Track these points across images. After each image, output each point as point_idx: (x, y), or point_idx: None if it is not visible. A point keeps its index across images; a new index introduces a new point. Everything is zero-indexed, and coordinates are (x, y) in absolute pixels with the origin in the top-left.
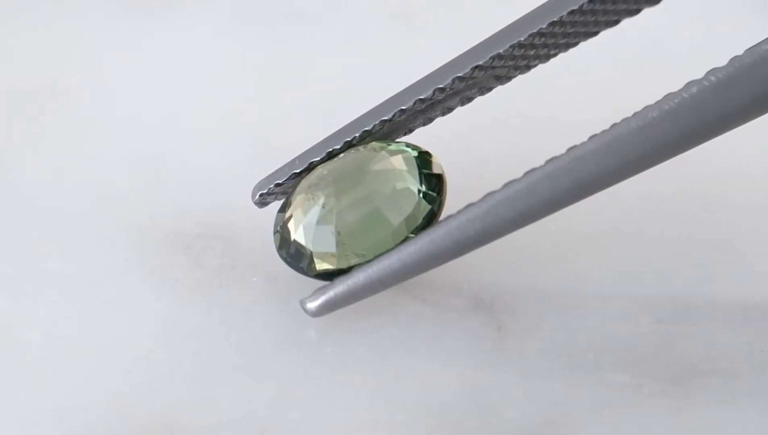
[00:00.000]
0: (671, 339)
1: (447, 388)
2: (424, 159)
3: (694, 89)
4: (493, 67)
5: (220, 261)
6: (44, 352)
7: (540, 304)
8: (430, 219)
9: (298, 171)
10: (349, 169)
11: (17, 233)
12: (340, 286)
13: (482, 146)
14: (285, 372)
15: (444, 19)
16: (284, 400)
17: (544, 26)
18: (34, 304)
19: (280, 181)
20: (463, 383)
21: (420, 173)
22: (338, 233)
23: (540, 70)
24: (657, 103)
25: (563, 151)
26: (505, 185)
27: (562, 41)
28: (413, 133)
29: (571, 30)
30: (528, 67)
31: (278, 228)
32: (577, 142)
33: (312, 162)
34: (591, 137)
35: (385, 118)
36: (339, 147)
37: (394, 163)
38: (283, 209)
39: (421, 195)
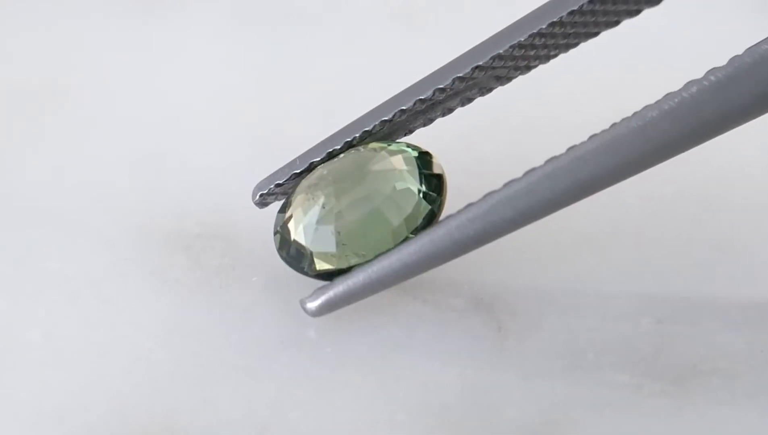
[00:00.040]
0: (671, 339)
1: (447, 388)
2: (424, 159)
3: (694, 89)
4: (494, 68)
5: (220, 261)
6: (44, 352)
7: (540, 304)
8: (430, 219)
9: (298, 171)
10: (349, 169)
11: (17, 233)
12: (340, 286)
13: (482, 146)
14: (285, 372)
15: (444, 19)
16: (284, 400)
17: (544, 27)
18: (34, 304)
19: (281, 182)
20: (463, 383)
21: (420, 173)
22: (338, 233)
23: (540, 70)
24: (657, 102)
25: (563, 151)
26: (505, 185)
27: (562, 42)
28: (413, 133)
29: (571, 31)
30: (528, 68)
31: (278, 228)
32: (577, 142)
33: (312, 162)
34: (591, 137)
35: (386, 118)
36: (339, 147)
37: (394, 163)
38: (284, 209)
39: (421, 195)
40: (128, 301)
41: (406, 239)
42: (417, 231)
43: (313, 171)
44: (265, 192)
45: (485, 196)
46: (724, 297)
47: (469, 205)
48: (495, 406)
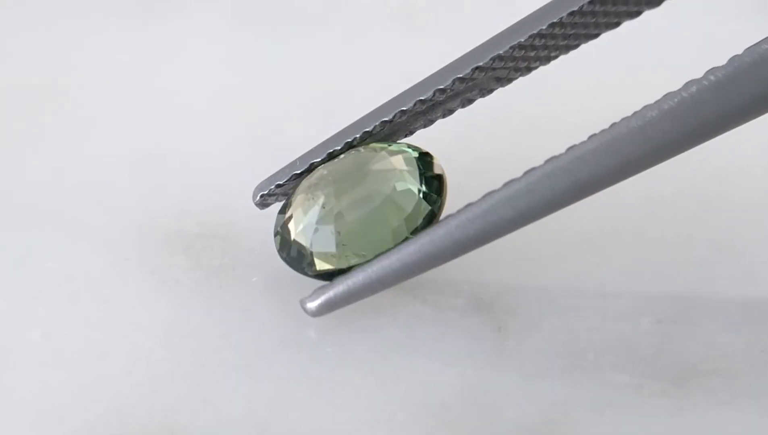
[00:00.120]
0: (671, 339)
1: (447, 388)
2: (424, 160)
3: (694, 89)
4: (494, 69)
5: (220, 261)
6: (44, 352)
7: (540, 304)
8: (430, 219)
9: (298, 172)
10: (349, 169)
11: (17, 233)
12: (340, 286)
13: (482, 146)
14: (285, 372)
15: (444, 19)
16: (284, 400)
17: (544, 28)
18: (34, 304)
19: (281, 182)
20: (463, 383)
21: (420, 174)
22: (338, 233)
23: (540, 70)
24: (657, 102)
25: (563, 151)
26: (505, 185)
27: (562, 43)
28: (414, 134)
29: (572, 32)
30: (528, 69)
31: (279, 229)
32: (577, 142)
33: (313, 163)
34: (591, 137)
35: (386, 119)
36: (340, 148)
37: (395, 163)
38: (284, 210)
39: (421, 195)
40: (128, 301)
41: (406, 239)
42: (417, 231)
43: (314, 171)
44: (265, 193)
45: (485, 196)
46: (724, 297)
47: (469, 205)
48: (495, 406)
